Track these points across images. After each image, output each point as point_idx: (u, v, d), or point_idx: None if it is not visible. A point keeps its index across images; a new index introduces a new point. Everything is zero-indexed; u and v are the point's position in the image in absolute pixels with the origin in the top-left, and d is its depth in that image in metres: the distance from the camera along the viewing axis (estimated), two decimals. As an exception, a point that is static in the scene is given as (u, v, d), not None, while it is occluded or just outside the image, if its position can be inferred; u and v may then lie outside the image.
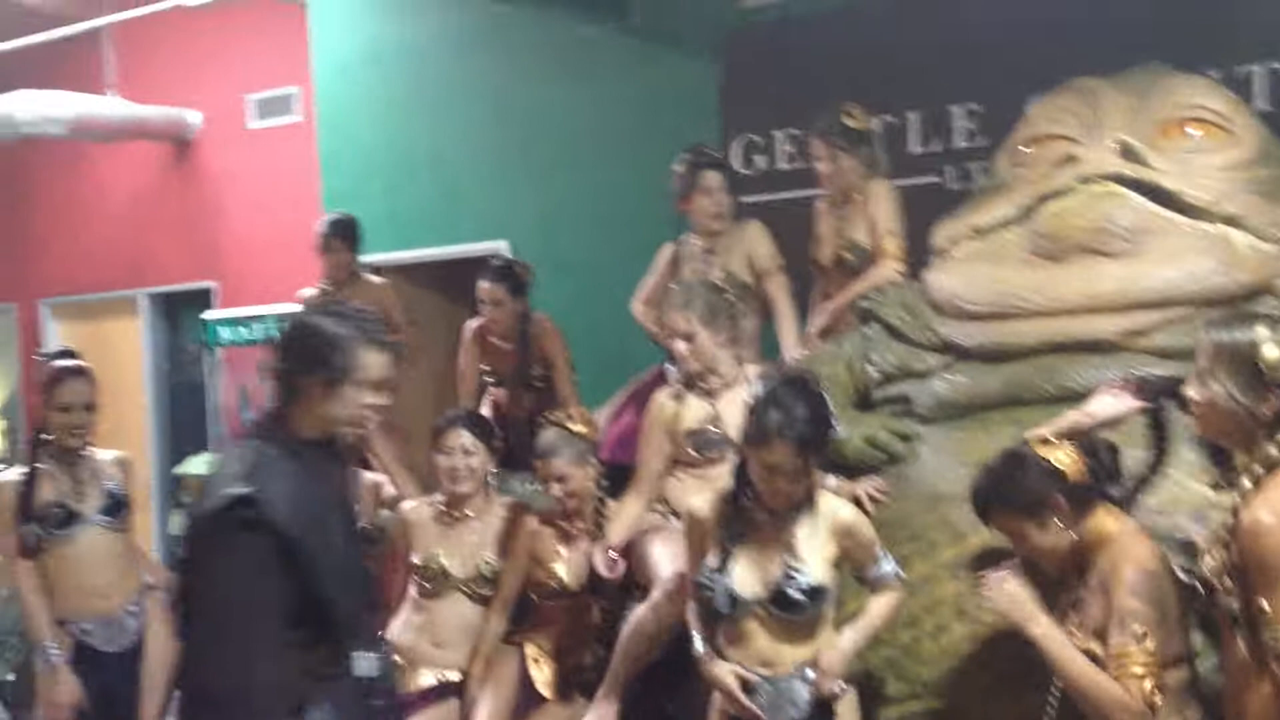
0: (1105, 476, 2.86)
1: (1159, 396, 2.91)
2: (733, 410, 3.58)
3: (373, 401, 2.55)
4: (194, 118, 7.90)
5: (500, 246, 6.35)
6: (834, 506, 3.01)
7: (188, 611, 2.50)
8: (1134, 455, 3.09)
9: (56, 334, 8.64)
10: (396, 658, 3.68)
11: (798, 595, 2.88)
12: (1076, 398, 3.20)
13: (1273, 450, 2.37)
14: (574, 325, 5.26)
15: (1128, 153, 3.77)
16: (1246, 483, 2.40)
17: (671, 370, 4.08)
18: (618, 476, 4.04)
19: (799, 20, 5.58)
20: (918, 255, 4.30)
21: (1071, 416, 3.00)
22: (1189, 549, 2.86)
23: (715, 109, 5.73)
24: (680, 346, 3.71)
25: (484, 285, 5.01)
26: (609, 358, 5.27)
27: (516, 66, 6.45)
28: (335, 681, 2.52)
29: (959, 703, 3.19)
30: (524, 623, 3.87)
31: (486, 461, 4.01)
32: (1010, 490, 2.83)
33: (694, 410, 3.72)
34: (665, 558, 3.60)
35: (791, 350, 4.41)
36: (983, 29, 5.09)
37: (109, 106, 7.64)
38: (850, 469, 3.62)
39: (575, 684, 3.74)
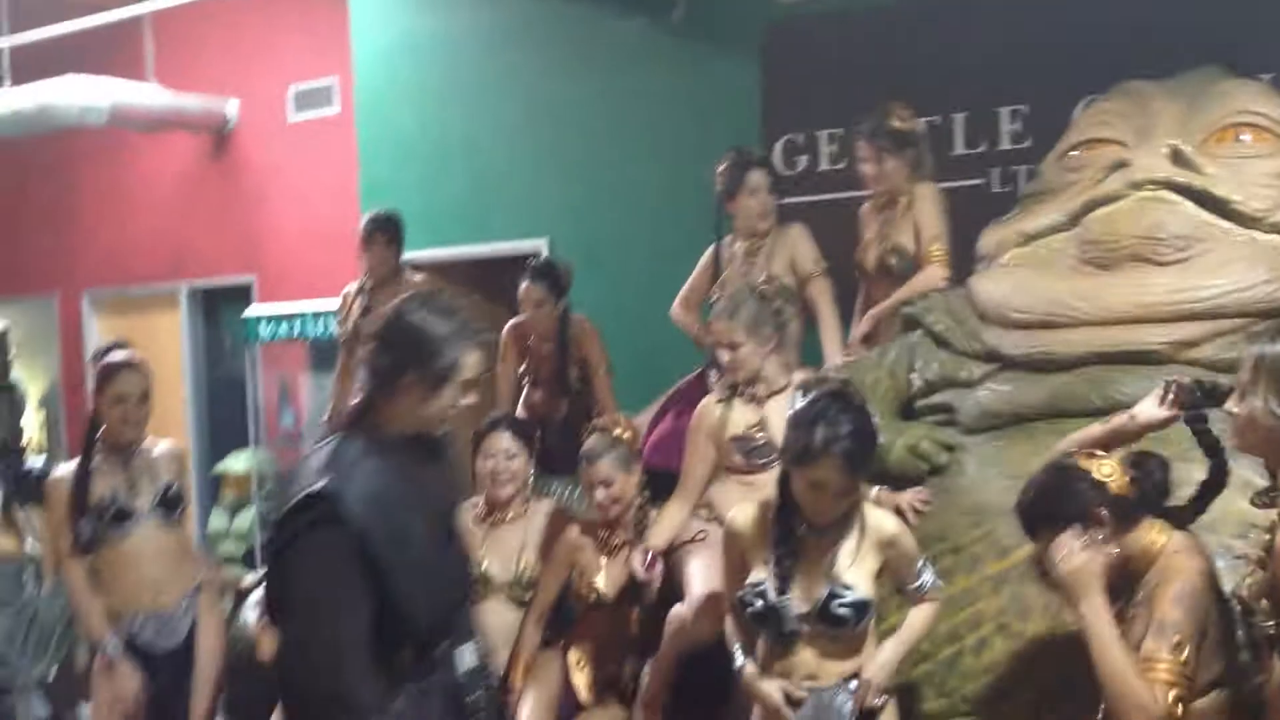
0: (1153, 491, 2.81)
1: (1201, 404, 2.81)
2: (779, 416, 3.55)
3: (465, 401, 2.53)
4: (233, 108, 7.92)
5: (540, 245, 6.33)
6: (878, 519, 2.98)
7: (276, 612, 2.50)
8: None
9: (96, 327, 8.71)
10: None
11: (844, 611, 2.85)
12: (1124, 410, 3.13)
13: None
14: (611, 326, 5.23)
15: (1179, 158, 3.72)
16: None
17: (713, 375, 4.06)
18: (655, 481, 4.03)
19: (842, 16, 5.52)
20: (961, 260, 4.26)
21: (1116, 420, 2.95)
22: (1235, 567, 2.82)
23: (757, 107, 5.69)
24: (725, 355, 3.69)
25: (525, 285, 5.00)
26: (646, 360, 5.25)
27: (557, 62, 6.43)
28: (422, 682, 2.50)
29: (999, 718, 3.16)
30: (566, 629, 3.86)
31: (528, 465, 4.01)
32: (1054, 503, 2.78)
33: (740, 416, 3.69)
34: (698, 575, 3.59)
35: (834, 356, 4.38)
36: (1031, 29, 5.03)
37: (149, 95, 7.67)
38: (892, 478, 3.59)
39: (613, 691, 3.73)
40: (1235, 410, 2.50)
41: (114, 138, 8.10)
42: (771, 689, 2.92)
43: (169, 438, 4.29)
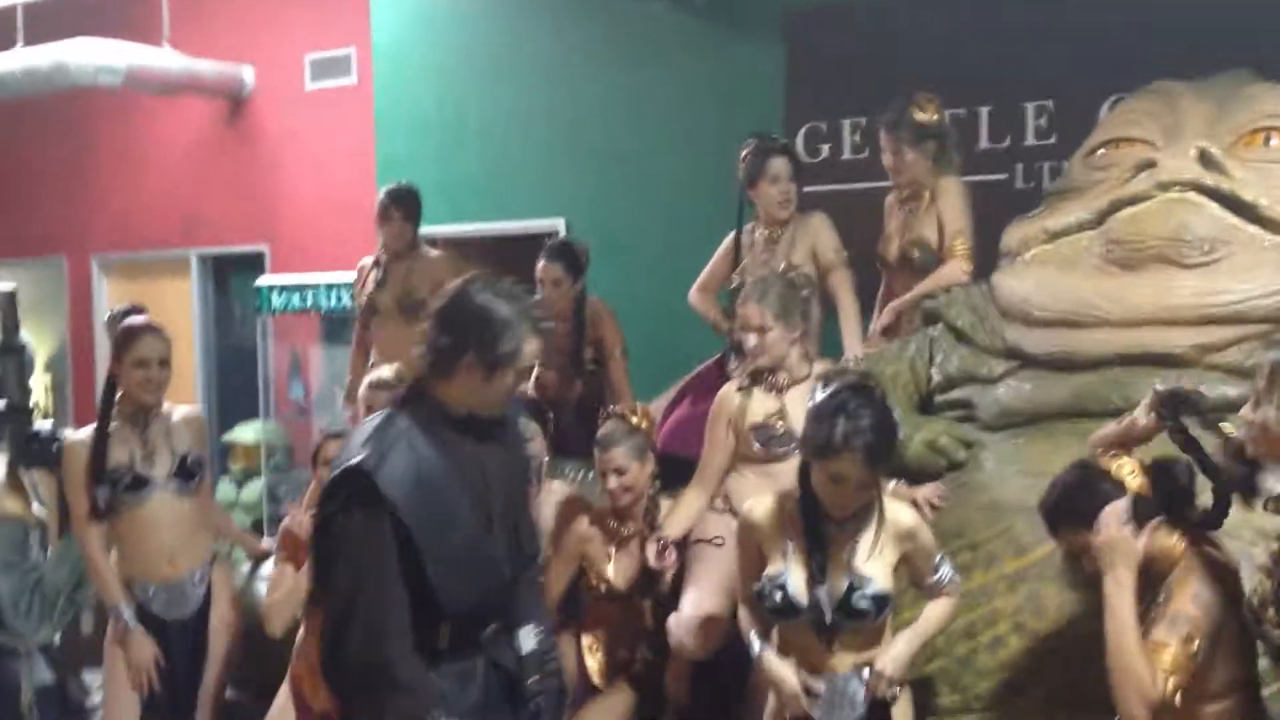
0: (1177, 494, 2.80)
1: (1179, 415, 2.79)
2: (799, 406, 3.54)
3: (520, 385, 2.53)
4: (249, 75, 7.88)
5: (557, 224, 6.31)
6: (896, 511, 2.97)
7: (320, 587, 2.52)
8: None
9: (106, 291, 8.68)
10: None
11: (864, 604, 2.85)
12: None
13: None
14: (628, 309, 5.22)
15: (1207, 160, 3.70)
16: None
17: (733, 361, 4.04)
18: (671, 466, 4.02)
19: (867, 4, 5.49)
20: (982, 255, 4.25)
21: (1124, 422, 2.94)
22: (1254, 575, 2.81)
23: (780, 93, 5.66)
24: (751, 340, 3.65)
25: (542, 264, 4.98)
26: (662, 344, 5.24)
27: (578, 43, 6.40)
28: (464, 661, 2.50)
29: (1012, 718, 3.16)
30: (578, 617, 3.86)
31: (542, 449, 3.99)
32: (1077, 503, 2.78)
33: (760, 405, 3.68)
34: (692, 594, 3.61)
35: (853, 347, 4.37)
36: (1059, 23, 5.00)
37: (164, 59, 7.62)
38: (910, 473, 3.58)
39: (625, 675, 3.74)
40: (1250, 417, 2.50)
41: (128, 100, 8.06)
42: (789, 674, 2.93)
43: (188, 403, 4.26)
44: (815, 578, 2.86)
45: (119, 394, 3.96)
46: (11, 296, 6.44)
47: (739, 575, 3.13)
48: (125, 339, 3.93)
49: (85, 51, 7.15)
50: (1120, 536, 2.62)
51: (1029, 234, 3.95)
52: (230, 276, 8.23)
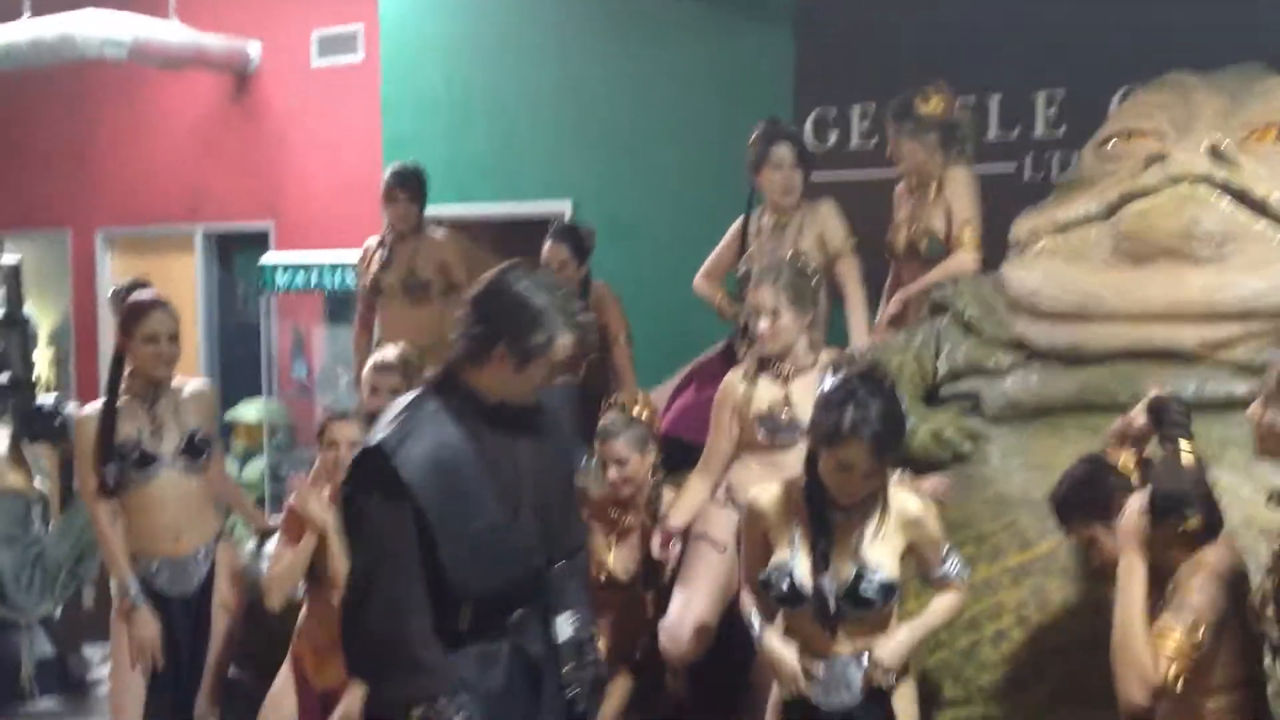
0: (1176, 491, 2.79)
1: (1164, 425, 2.78)
2: (804, 395, 3.53)
3: (552, 378, 2.52)
4: (255, 50, 7.85)
5: (563, 206, 6.29)
6: (902, 500, 2.96)
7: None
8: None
9: (110, 266, 8.67)
10: None
11: (870, 592, 2.85)
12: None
13: None
14: (633, 294, 5.20)
15: (1218, 155, 3.67)
16: None
17: (740, 347, 4.02)
18: (676, 450, 4.02)
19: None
20: (991, 247, 4.23)
21: (1124, 420, 2.93)
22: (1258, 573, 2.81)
23: (789, 79, 5.62)
24: (763, 324, 3.62)
25: (548, 246, 4.96)
26: (667, 330, 5.23)
27: (588, 26, 6.37)
28: (486, 644, 2.51)
29: (1014, 712, 3.16)
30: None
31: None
32: (1087, 496, 2.78)
33: (765, 393, 3.66)
34: (679, 598, 3.62)
35: (860, 336, 4.35)
36: (1072, 12, 4.97)
37: (170, 32, 7.59)
38: (914, 464, 3.58)
39: (626, 664, 3.74)
40: (1259, 418, 2.50)
41: (134, 74, 8.02)
42: (789, 654, 2.93)
43: (198, 377, 4.26)
44: (819, 565, 2.86)
45: (128, 369, 3.94)
46: (16, 271, 6.43)
47: (743, 562, 3.13)
48: (134, 315, 3.92)
49: (91, 23, 7.12)
50: (1139, 524, 2.62)
51: (1038, 225, 3.93)
52: (235, 253, 8.22)
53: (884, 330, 4.33)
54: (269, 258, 7.29)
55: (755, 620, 3.02)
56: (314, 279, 6.93)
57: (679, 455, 3.98)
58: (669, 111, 6.07)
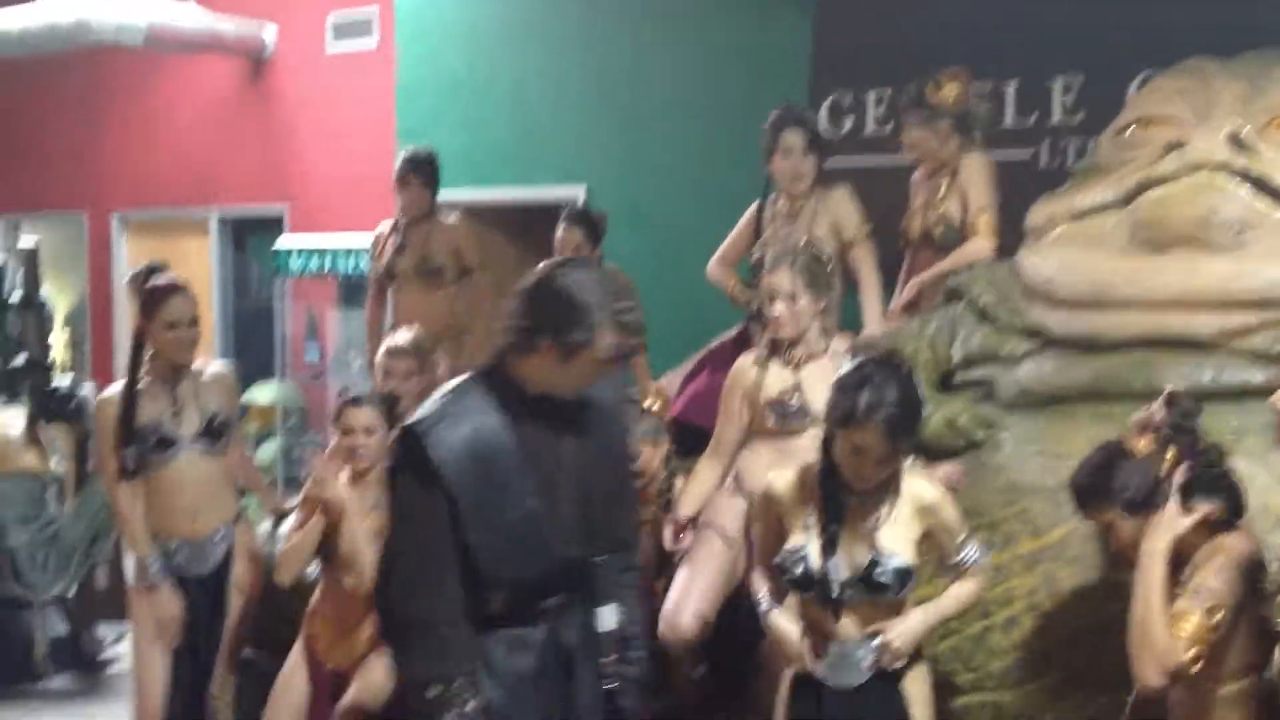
0: (1202, 479, 2.78)
1: (1177, 425, 2.78)
2: (815, 381, 3.53)
3: (597, 375, 2.51)
4: (270, 34, 7.86)
5: (577, 192, 6.28)
6: (919, 487, 2.95)
7: None
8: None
9: (126, 249, 8.70)
10: None
11: (885, 578, 2.84)
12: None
13: None
14: (647, 280, 5.14)
15: (1238, 142, 3.65)
16: None
17: (755, 333, 4.01)
18: (688, 436, 4.01)
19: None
20: (1006, 234, 4.21)
21: (1144, 411, 2.92)
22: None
23: (806, 64, 5.60)
24: (778, 308, 3.60)
25: (563, 229, 4.96)
26: (681, 317, 5.21)
27: (605, 8, 6.34)
28: (520, 630, 2.52)
29: (1026, 698, 3.16)
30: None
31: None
32: (1106, 482, 2.78)
33: (776, 378, 3.64)
34: (677, 587, 3.61)
35: (874, 323, 4.34)
36: (1090, -3, 4.94)
37: (186, 16, 7.60)
38: (927, 451, 3.57)
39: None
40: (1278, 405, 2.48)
41: (149, 58, 8.04)
42: (794, 632, 2.93)
43: (218, 360, 4.28)
44: (827, 549, 2.86)
45: (148, 352, 3.97)
46: (34, 253, 6.46)
47: (757, 545, 3.13)
48: (154, 300, 3.95)
49: (106, 8, 7.12)
50: (1175, 520, 2.63)
51: (1055, 213, 3.91)
52: (249, 237, 8.23)
53: (898, 317, 4.31)
54: (283, 242, 7.29)
55: (764, 600, 3.02)
56: (328, 263, 6.94)
57: (691, 441, 3.97)
58: (685, 97, 6.05)
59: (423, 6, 7.05)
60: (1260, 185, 3.60)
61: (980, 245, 4.23)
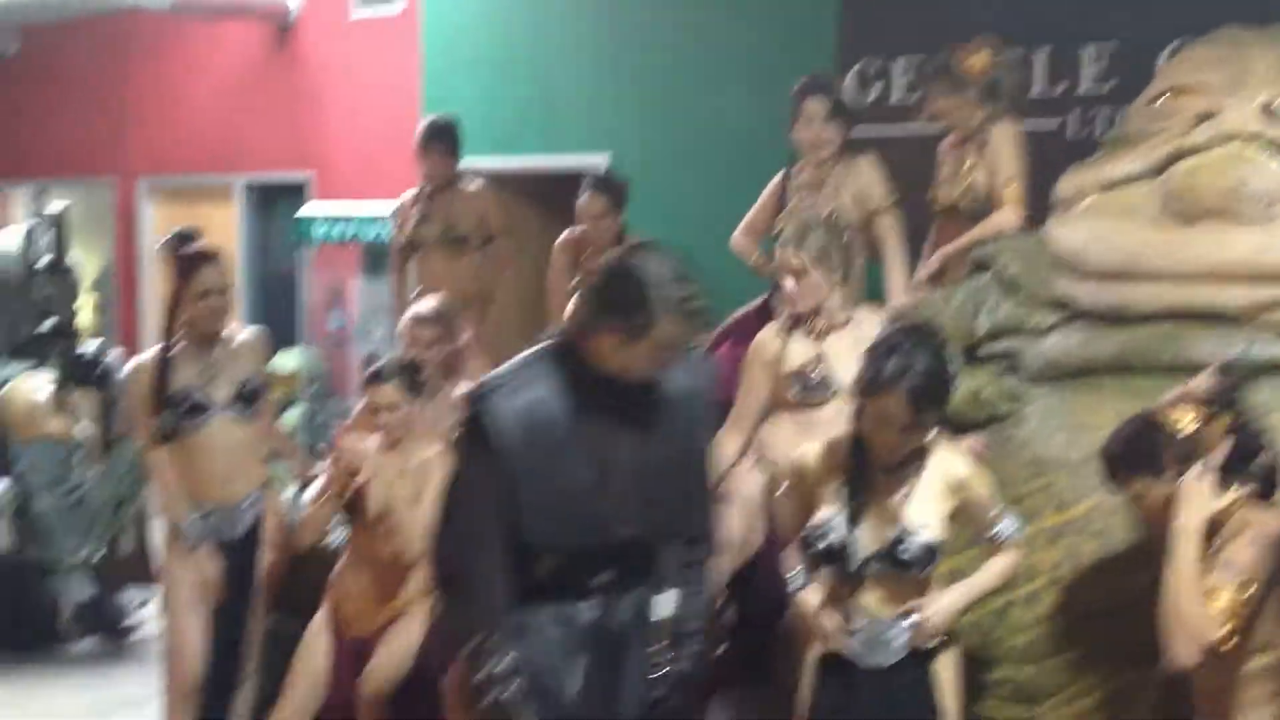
0: (1240, 453, 2.75)
1: (1228, 396, 2.76)
2: (839, 353, 3.51)
3: (658, 360, 2.51)
4: (295, 0, 7.84)
5: (599, 160, 6.25)
6: (949, 462, 2.92)
7: None
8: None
9: (152, 215, 8.72)
10: None
11: (913, 553, 2.82)
12: (1193, 370, 3.05)
13: None
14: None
15: (1271, 113, 3.59)
16: None
17: (776, 304, 3.99)
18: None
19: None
20: (1034, 204, 4.16)
21: (1183, 389, 2.89)
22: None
23: (833, 31, 5.54)
24: (790, 284, 3.60)
25: (586, 196, 4.94)
26: (706, 286, 5.16)
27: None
28: (567, 605, 2.55)
29: (1046, 673, 3.15)
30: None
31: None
32: (1137, 451, 2.75)
33: (798, 350, 3.62)
34: None
35: (898, 294, 4.30)
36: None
37: (212, -20, 7.60)
38: (951, 424, 3.53)
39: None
40: None
41: (176, 24, 8.04)
42: (826, 611, 2.89)
43: (249, 326, 4.32)
44: (851, 521, 2.83)
45: (181, 319, 3.99)
46: (62, 218, 6.48)
47: (787, 519, 3.11)
48: (188, 269, 3.98)
49: (133, -27, 7.13)
50: (1197, 485, 2.61)
51: (1085, 183, 3.85)
52: (274, 204, 8.24)
53: (924, 287, 4.27)
54: (307, 209, 7.29)
55: (795, 577, 2.99)
56: (351, 230, 6.93)
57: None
58: (710, 65, 6.00)
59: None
60: (1292, 157, 3.55)
61: (1007, 216, 4.18)
